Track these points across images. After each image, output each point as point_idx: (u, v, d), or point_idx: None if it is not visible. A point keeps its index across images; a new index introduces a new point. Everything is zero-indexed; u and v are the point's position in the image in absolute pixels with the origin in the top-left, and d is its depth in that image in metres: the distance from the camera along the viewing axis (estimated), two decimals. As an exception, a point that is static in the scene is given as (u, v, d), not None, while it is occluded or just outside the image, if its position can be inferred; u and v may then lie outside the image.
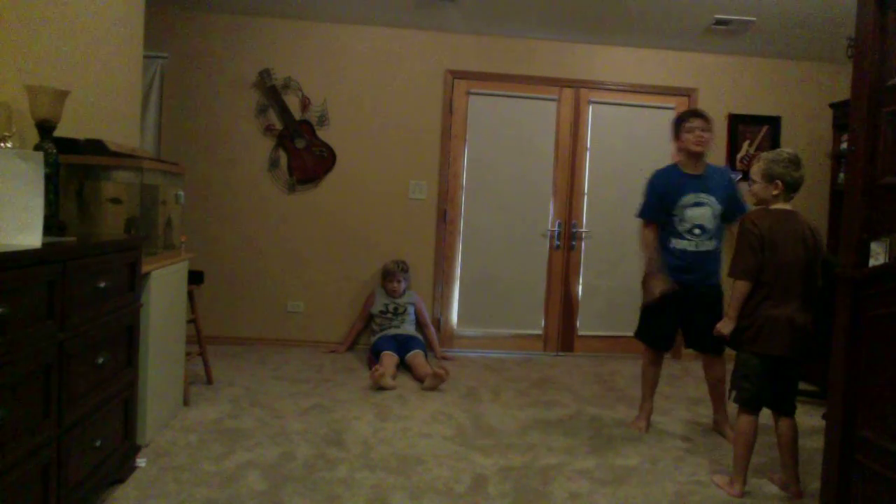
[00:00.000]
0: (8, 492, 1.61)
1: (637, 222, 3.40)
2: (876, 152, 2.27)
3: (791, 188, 2.57)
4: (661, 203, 3.23)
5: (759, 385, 2.53)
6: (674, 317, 3.26)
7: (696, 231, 3.18)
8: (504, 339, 4.91)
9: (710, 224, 3.17)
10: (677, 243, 3.21)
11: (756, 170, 2.61)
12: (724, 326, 2.62)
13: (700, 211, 3.17)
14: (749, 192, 2.69)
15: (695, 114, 3.24)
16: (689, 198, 3.17)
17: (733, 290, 2.58)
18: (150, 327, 2.71)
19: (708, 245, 3.19)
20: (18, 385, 1.65)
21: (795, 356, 2.53)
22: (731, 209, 3.23)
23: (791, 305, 2.50)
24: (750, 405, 2.57)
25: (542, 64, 4.84)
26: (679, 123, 3.24)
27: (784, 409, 2.61)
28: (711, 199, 3.18)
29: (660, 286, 3.18)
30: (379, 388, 3.75)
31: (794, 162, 2.56)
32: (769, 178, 2.56)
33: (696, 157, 3.20)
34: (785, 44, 4.72)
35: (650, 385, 3.36)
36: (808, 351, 2.55)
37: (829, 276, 2.50)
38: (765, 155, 2.64)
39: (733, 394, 2.60)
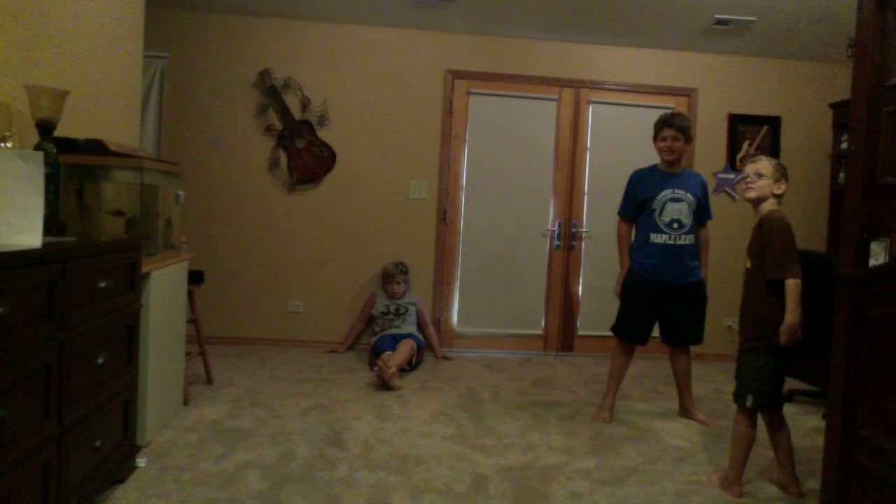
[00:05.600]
0: (8, 492, 1.61)
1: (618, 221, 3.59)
2: (876, 152, 2.27)
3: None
4: (635, 198, 3.44)
5: (774, 386, 2.53)
6: (652, 313, 3.42)
7: (675, 225, 3.34)
8: (504, 339, 4.91)
9: (686, 219, 3.34)
10: (657, 237, 3.35)
11: (767, 166, 2.58)
12: (793, 332, 2.44)
13: (678, 206, 3.35)
14: (747, 186, 2.63)
15: (667, 123, 3.36)
16: (667, 192, 3.36)
17: (791, 292, 2.43)
18: (150, 327, 2.71)
19: (685, 240, 3.35)
20: (18, 385, 1.65)
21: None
22: (700, 214, 3.42)
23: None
24: (762, 409, 2.56)
25: (542, 64, 4.84)
26: (656, 131, 3.42)
27: (780, 408, 2.61)
28: (688, 196, 3.36)
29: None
30: (384, 384, 3.75)
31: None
32: (777, 177, 2.57)
33: (670, 161, 3.39)
34: (785, 44, 4.72)
35: (617, 378, 3.47)
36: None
37: (829, 276, 2.50)
38: (769, 157, 2.66)
39: (749, 398, 2.52)
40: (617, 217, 3.56)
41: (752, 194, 2.61)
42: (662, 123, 3.37)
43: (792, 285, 2.45)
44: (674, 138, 3.32)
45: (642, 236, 3.40)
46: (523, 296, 4.92)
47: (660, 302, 3.38)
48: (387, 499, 2.41)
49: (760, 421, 2.63)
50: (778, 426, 2.61)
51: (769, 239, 2.50)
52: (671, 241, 3.32)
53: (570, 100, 4.89)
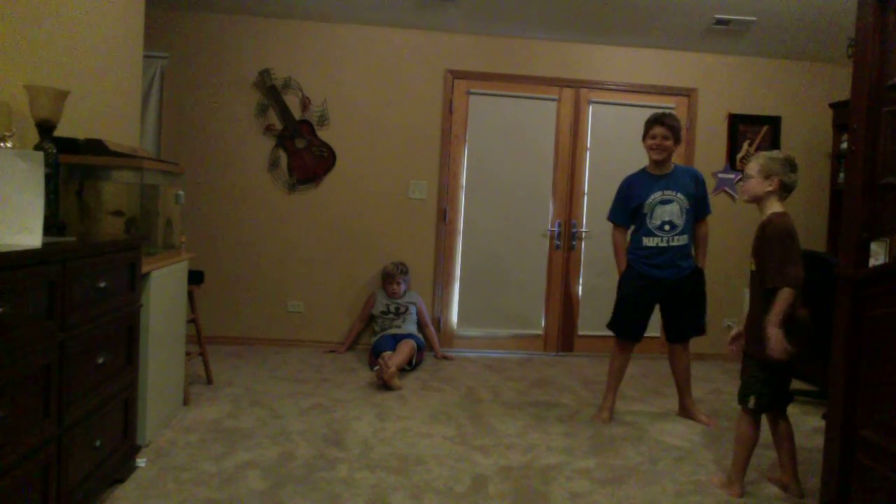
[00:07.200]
0: (8, 492, 1.61)
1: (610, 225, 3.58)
2: (876, 152, 2.27)
3: (785, 189, 2.55)
4: (626, 204, 3.43)
5: (778, 388, 2.53)
6: (647, 309, 3.43)
7: (666, 227, 3.33)
8: (504, 339, 4.91)
9: (678, 220, 3.33)
10: (649, 241, 3.36)
11: (753, 165, 2.58)
12: (778, 341, 2.39)
13: (668, 207, 3.33)
14: (741, 189, 2.66)
15: (658, 121, 3.34)
16: (657, 195, 3.34)
17: (780, 300, 2.39)
18: (150, 327, 2.71)
19: (679, 240, 3.33)
20: (18, 385, 1.65)
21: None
22: (698, 209, 3.39)
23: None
24: (766, 411, 2.56)
25: (542, 64, 4.84)
26: (646, 129, 3.39)
27: (784, 409, 2.61)
28: (678, 196, 3.34)
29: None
30: (384, 384, 3.75)
31: (791, 164, 2.55)
32: (765, 174, 2.55)
33: (659, 161, 3.36)
34: (785, 44, 4.72)
35: (616, 377, 3.47)
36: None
37: (829, 276, 2.49)
38: (763, 153, 2.62)
39: (752, 400, 2.52)
40: (610, 224, 3.53)
41: (742, 198, 2.62)
42: (653, 122, 3.35)
43: (783, 294, 2.40)
44: (664, 136, 3.31)
45: (635, 240, 3.41)
46: (523, 296, 4.91)
47: (657, 297, 3.39)
48: (387, 499, 2.41)
49: (764, 421, 2.63)
50: (782, 426, 2.60)
51: (768, 245, 2.48)
52: (664, 244, 3.32)
53: (570, 100, 4.89)
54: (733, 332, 2.54)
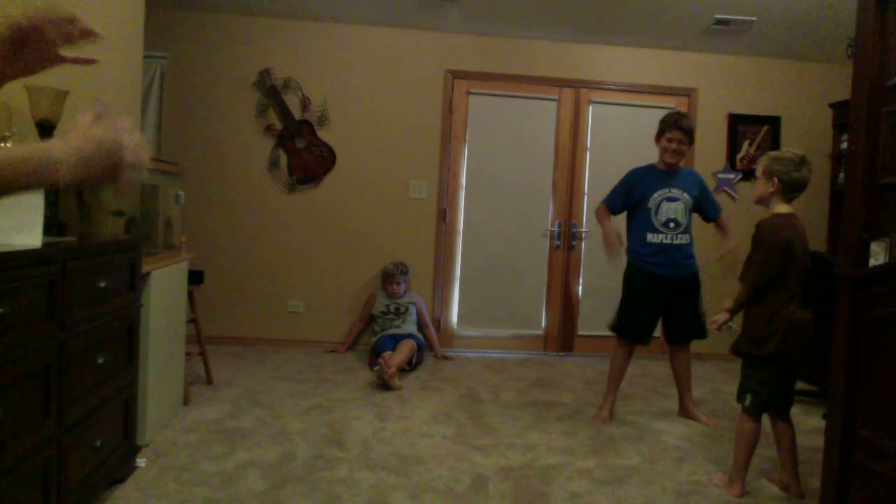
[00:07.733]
0: (8, 492, 1.61)
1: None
2: (876, 152, 2.27)
3: (790, 188, 2.53)
4: (628, 194, 3.43)
5: (776, 389, 2.53)
6: (654, 310, 3.41)
7: (671, 225, 3.33)
8: (504, 339, 4.91)
9: (682, 219, 3.35)
10: (653, 237, 3.35)
11: (758, 167, 2.62)
12: (717, 320, 2.65)
13: (674, 206, 3.34)
14: (753, 189, 2.70)
15: (677, 125, 3.30)
16: (663, 192, 3.35)
17: (741, 294, 2.59)
18: (150, 327, 2.71)
19: (682, 239, 3.35)
20: (18, 385, 1.65)
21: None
22: (706, 209, 3.46)
23: (806, 307, 2.51)
24: (764, 410, 2.56)
25: (542, 64, 4.84)
26: (663, 130, 3.36)
27: (786, 409, 2.61)
28: (684, 195, 3.35)
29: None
30: (384, 384, 3.75)
31: (797, 162, 2.52)
32: (768, 175, 2.56)
33: (672, 163, 3.37)
34: (785, 44, 4.72)
35: (617, 377, 3.46)
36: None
37: (829, 276, 2.50)
38: (770, 153, 2.63)
39: (748, 398, 2.53)
40: (601, 203, 3.54)
41: (753, 200, 2.70)
42: (672, 125, 3.30)
43: (744, 291, 2.57)
44: (680, 141, 3.30)
45: (640, 236, 3.39)
46: (523, 296, 4.91)
47: (661, 298, 3.37)
48: (387, 499, 2.41)
49: (765, 420, 2.63)
50: (782, 426, 2.60)
51: (751, 246, 2.56)
52: (668, 241, 3.32)
53: (570, 100, 4.89)
54: (718, 317, 2.65)
